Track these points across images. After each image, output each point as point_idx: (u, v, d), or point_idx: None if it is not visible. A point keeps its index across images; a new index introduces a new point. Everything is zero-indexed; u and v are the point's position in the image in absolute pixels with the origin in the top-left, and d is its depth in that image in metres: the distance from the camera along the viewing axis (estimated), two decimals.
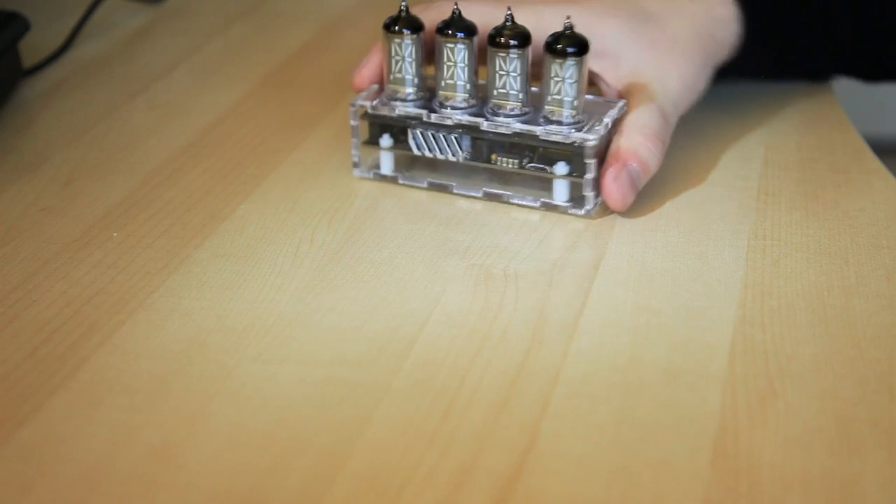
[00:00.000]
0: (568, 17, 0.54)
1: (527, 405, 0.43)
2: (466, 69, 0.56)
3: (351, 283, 0.51)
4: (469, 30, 0.56)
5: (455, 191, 0.58)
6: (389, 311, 0.49)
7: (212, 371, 0.45)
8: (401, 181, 0.59)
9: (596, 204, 0.56)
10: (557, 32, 0.54)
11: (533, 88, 0.57)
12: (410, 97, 0.58)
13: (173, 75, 0.75)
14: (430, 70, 0.59)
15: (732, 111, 0.67)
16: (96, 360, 0.46)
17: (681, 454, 0.41)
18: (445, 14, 0.56)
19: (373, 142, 0.59)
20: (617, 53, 0.58)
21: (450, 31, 0.56)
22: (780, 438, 0.41)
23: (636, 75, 0.58)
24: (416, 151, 0.58)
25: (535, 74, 0.56)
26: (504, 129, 0.56)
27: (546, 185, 0.57)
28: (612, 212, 0.56)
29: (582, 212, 0.56)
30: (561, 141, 0.55)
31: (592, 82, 0.60)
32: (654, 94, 0.57)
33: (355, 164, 0.60)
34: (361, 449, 0.41)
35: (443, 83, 0.57)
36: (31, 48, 0.75)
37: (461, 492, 0.39)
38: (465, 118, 0.56)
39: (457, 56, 0.56)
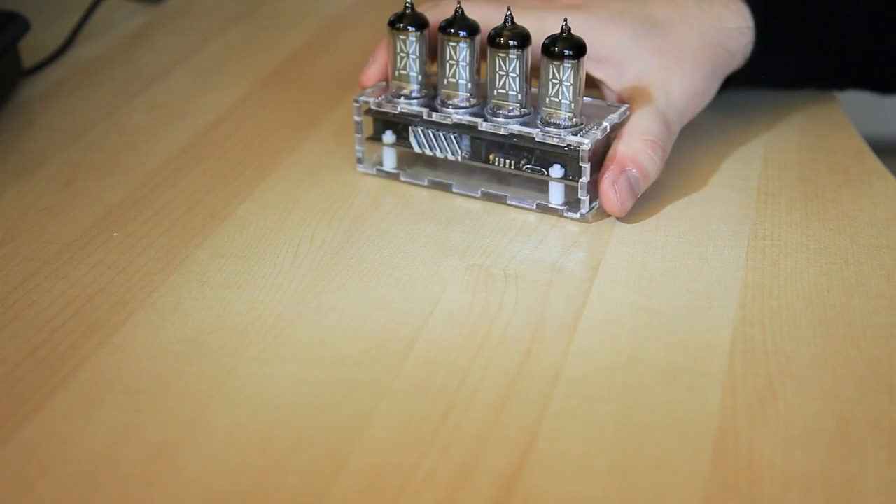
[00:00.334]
0: (565, 20, 0.54)
1: (527, 405, 0.43)
2: (468, 68, 0.56)
3: (351, 283, 0.51)
4: (471, 29, 0.56)
5: (454, 190, 0.58)
6: (389, 311, 0.49)
7: (212, 371, 0.45)
8: (402, 178, 0.59)
9: (592, 208, 0.56)
10: (555, 35, 0.54)
11: (533, 89, 0.57)
12: (414, 94, 0.58)
13: (173, 75, 0.75)
14: (435, 68, 0.59)
15: (732, 111, 0.67)
16: (96, 360, 0.46)
17: (681, 454, 0.41)
18: (450, 13, 0.57)
19: (376, 138, 0.60)
20: (622, 60, 0.58)
21: (452, 30, 0.56)
22: (780, 438, 0.41)
23: (640, 82, 0.58)
24: (416, 149, 0.58)
25: (537, 78, 0.56)
26: (501, 129, 0.56)
27: (543, 187, 0.57)
28: (609, 216, 0.56)
29: (577, 215, 0.56)
30: (556, 144, 0.55)
31: (597, 88, 0.60)
32: (657, 100, 0.57)
33: (359, 160, 0.60)
34: (361, 449, 0.41)
35: (445, 81, 0.57)
36: (31, 48, 0.75)
37: (461, 492, 0.39)
38: (464, 118, 0.57)
39: (459, 55, 0.56)
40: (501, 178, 0.59)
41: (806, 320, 0.48)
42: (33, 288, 0.51)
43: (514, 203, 0.57)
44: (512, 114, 0.56)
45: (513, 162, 0.57)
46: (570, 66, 0.54)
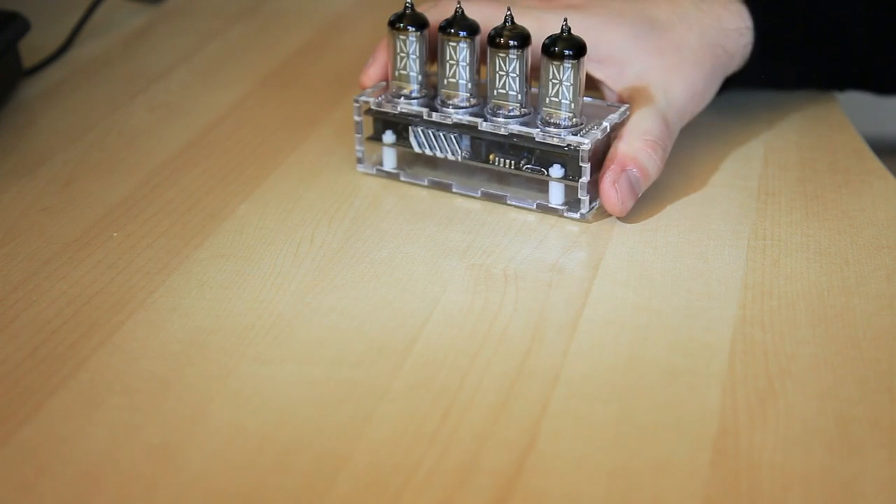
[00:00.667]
0: (565, 20, 0.54)
1: (527, 405, 0.43)
2: (468, 68, 0.56)
3: (351, 283, 0.51)
4: (471, 29, 0.56)
5: (454, 190, 0.58)
6: (389, 311, 0.49)
7: (212, 371, 0.45)
8: (402, 178, 0.59)
9: (592, 208, 0.56)
10: (555, 35, 0.54)
11: (533, 89, 0.57)
12: (414, 94, 0.58)
13: (173, 75, 0.75)
14: (435, 68, 0.59)
15: (732, 111, 0.67)
16: (96, 360, 0.46)
17: (681, 454, 0.41)
18: (450, 13, 0.57)
19: (376, 138, 0.60)
20: (622, 60, 0.58)
21: (452, 30, 0.56)
22: (780, 438, 0.41)
23: (640, 82, 0.58)
24: (416, 149, 0.58)
25: (537, 78, 0.56)
26: (501, 129, 0.56)
27: (542, 187, 0.57)
28: (609, 216, 0.56)
29: (577, 215, 0.56)
30: (556, 144, 0.55)
31: (597, 88, 0.60)
32: (657, 100, 0.57)
33: (359, 160, 0.60)
34: (361, 449, 0.41)
35: (445, 81, 0.57)
36: (31, 48, 0.75)
37: (461, 492, 0.39)
38: (465, 118, 0.57)
39: (459, 55, 0.56)
40: (501, 177, 0.59)
41: (806, 320, 0.48)
42: (33, 288, 0.51)
43: (514, 203, 0.57)
44: (512, 114, 0.56)
45: (513, 162, 0.57)
46: (570, 66, 0.54)
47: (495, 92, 0.56)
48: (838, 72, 0.66)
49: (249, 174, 0.61)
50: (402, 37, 0.57)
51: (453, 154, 0.58)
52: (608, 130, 0.55)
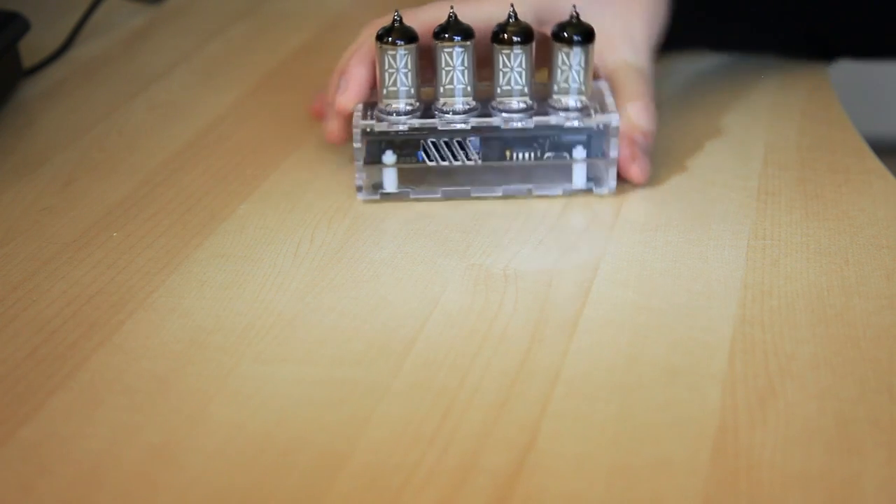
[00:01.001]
0: (574, 6, 0.56)
1: (527, 405, 0.43)
2: (466, 72, 0.56)
3: (351, 283, 0.51)
4: (466, 33, 0.56)
5: (474, 195, 0.58)
6: (389, 311, 0.49)
7: (211, 371, 0.45)
8: (413, 196, 0.58)
9: (615, 181, 0.58)
10: (563, 21, 0.56)
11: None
12: (407, 109, 0.57)
13: (173, 75, 0.75)
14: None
15: (732, 111, 0.67)
16: (96, 360, 0.46)
17: (680, 453, 0.41)
18: (438, 18, 0.56)
19: (373, 161, 0.57)
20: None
21: (447, 35, 0.56)
22: (780, 438, 0.41)
23: (606, 42, 0.59)
24: (428, 162, 0.57)
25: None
26: (528, 124, 0.56)
27: (561, 173, 0.58)
28: (608, 217, 0.56)
29: (605, 190, 0.57)
30: (587, 126, 0.56)
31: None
32: (624, 54, 0.60)
33: (359, 189, 0.58)
34: (361, 449, 0.41)
35: (442, 88, 0.57)
36: (31, 48, 0.75)
37: (461, 491, 0.39)
38: (483, 120, 0.56)
39: (455, 60, 0.56)
40: (515, 173, 0.58)
41: (806, 320, 0.48)
42: (33, 288, 0.51)
43: (540, 194, 0.58)
44: (521, 107, 0.57)
45: (533, 154, 0.57)
46: (580, 51, 0.55)
47: (499, 89, 0.56)
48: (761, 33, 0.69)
49: (249, 174, 0.61)
50: (391, 52, 0.55)
51: (469, 159, 0.57)
52: (614, 104, 0.57)
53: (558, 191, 0.58)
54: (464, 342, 0.47)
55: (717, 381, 0.44)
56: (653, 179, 0.58)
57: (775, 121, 0.66)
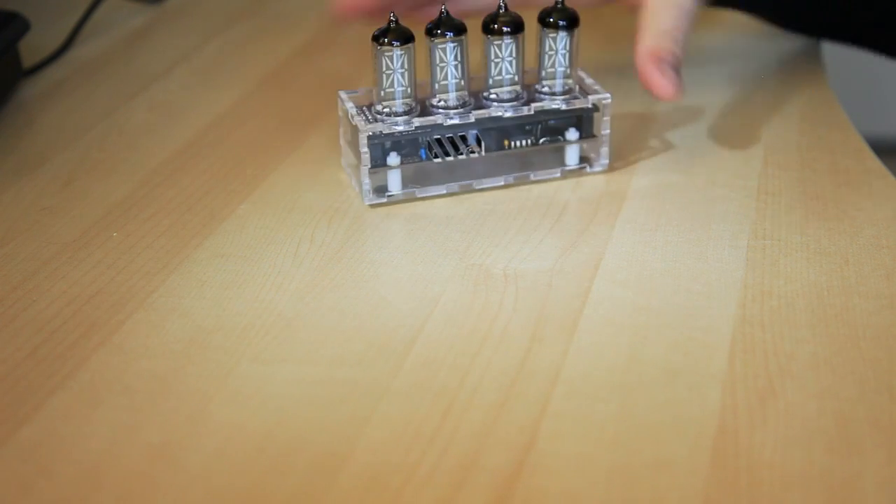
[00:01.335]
0: None
1: (527, 405, 0.43)
2: (459, 66, 0.57)
3: (351, 283, 0.51)
4: (458, 29, 0.56)
5: (477, 187, 0.59)
6: (389, 311, 0.49)
7: (211, 371, 0.45)
8: (420, 195, 0.58)
9: (608, 159, 0.60)
10: (549, 7, 0.57)
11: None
12: (404, 109, 0.57)
13: (173, 75, 0.75)
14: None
15: (732, 111, 0.67)
16: (96, 360, 0.46)
17: (680, 453, 0.41)
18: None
19: (379, 164, 0.57)
20: None
21: (439, 31, 0.56)
22: (780, 438, 0.41)
23: None
24: (435, 160, 0.57)
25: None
26: (529, 111, 0.58)
27: (555, 156, 0.60)
28: (608, 217, 0.56)
29: (600, 167, 0.59)
30: (583, 107, 0.58)
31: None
32: None
33: (366, 194, 0.57)
34: (361, 449, 0.41)
35: (436, 85, 0.57)
36: (31, 48, 0.75)
37: (461, 491, 0.39)
38: (484, 112, 0.57)
39: (449, 55, 0.56)
40: (513, 161, 0.60)
41: (806, 320, 0.48)
42: (33, 288, 0.51)
43: (539, 178, 0.59)
44: (512, 96, 0.58)
45: (530, 140, 0.59)
46: (566, 35, 0.57)
47: (491, 80, 0.58)
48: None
49: (249, 174, 0.61)
50: (388, 52, 0.55)
51: (474, 151, 0.58)
52: (596, 85, 0.59)
53: (557, 173, 0.59)
54: (464, 342, 0.47)
55: (717, 381, 0.44)
56: (653, 179, 0.58)
57: (775, 121, 0.66)
